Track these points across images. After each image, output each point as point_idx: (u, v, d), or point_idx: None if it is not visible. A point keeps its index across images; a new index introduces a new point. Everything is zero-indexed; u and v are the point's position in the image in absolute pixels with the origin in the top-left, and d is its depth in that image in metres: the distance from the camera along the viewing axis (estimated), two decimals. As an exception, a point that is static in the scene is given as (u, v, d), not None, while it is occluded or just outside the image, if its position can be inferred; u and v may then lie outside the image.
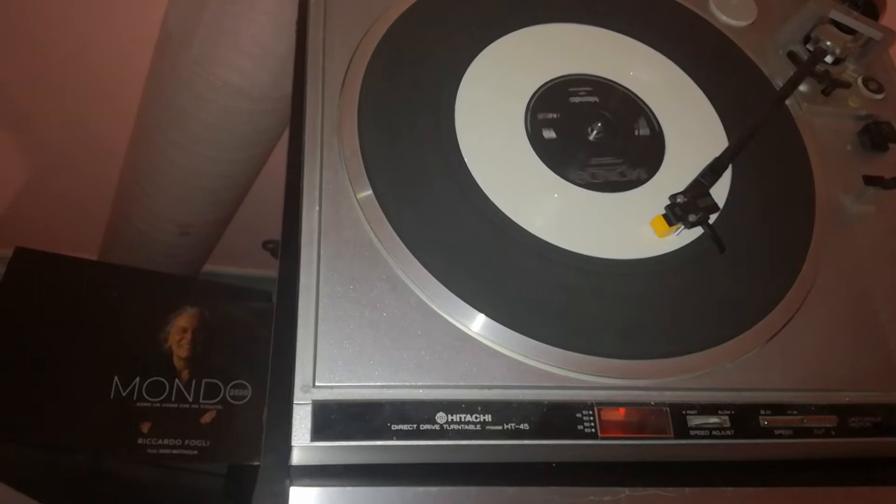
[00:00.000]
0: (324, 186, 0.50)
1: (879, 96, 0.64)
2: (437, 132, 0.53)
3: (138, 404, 0.92)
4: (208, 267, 1.29)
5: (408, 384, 0.44)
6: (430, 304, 0.47)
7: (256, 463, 0.92)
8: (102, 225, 1.19)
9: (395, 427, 0.43)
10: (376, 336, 0.45)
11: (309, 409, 0.42)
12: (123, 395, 0.92)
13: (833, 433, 0.48)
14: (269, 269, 1.36)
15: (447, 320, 0.46)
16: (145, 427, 0.91)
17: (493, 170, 0.53)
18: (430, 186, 0.51)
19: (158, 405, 0.93)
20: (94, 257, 1.21)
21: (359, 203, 0.49)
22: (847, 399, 0.50)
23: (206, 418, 0.93)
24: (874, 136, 0.61)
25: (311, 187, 0.49)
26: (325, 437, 0.42)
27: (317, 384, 0.43)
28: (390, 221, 0.48)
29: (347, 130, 0.52)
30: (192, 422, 0.93)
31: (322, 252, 0.47)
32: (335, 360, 0.44)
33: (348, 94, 0.53)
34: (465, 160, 0.52)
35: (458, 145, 0.53)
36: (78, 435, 0.88)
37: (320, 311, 0.45)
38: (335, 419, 0.43)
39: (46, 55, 0.96)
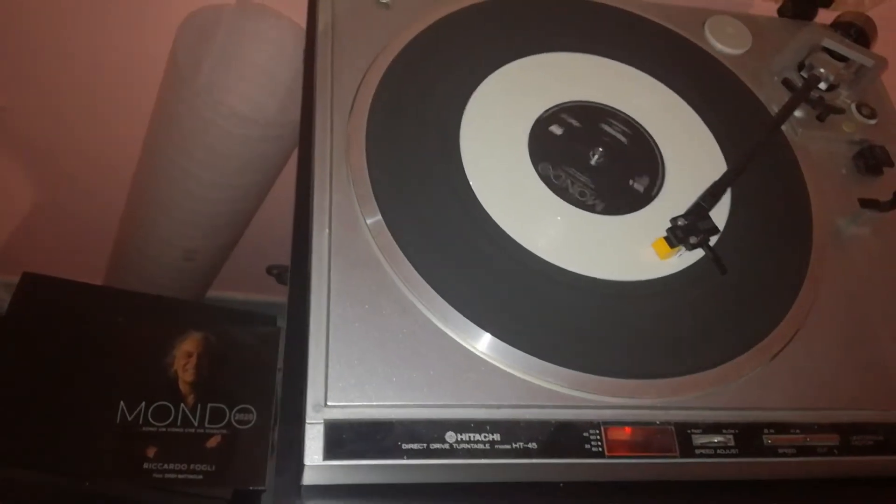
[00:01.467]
0: (333, 210, 0.51)
1: (872, 121, 0.65)
2: (442, 156, 0.55)
3: (144, 429, 0.92)
4: (213, 292, 1.30)
5: (418, 403, 0.45)
6: (438, 324, 0.48)
7: (262, 488, 0.92)
8: (108, 250, 1.20)
9: (405, 446, 0.44)
10: (386, 356, 0.46)
11: (321, 428, 0.43)
12: (129, 419, 0.93)
13: (835, 452, 0.49)
14: (273, 295, 1.37)
15: (456, 340, 0.47)
16: (151, 452, 0.91)
17: (498, 192, 0.54)
18: (437, 209, 0.52)
19: (164, 430, 0.93)
20: (100, 282, 1.22)
21: (367, 226, 0.50)
22: (848, 418, 0.50)
23: (212, 443, 0.94)
24: (868, 160, 0.62)
25: (321, 211, 0.51)
26: (336, 455, 0.43)
27: (328, 403, 0.44)
28: (398, 243, 0.50)
29: (356, 155, 0.53)
30: (198, 446, 0.93)
31: (332, 274, 0.48)
32: (346, 380, 0.45)
33: (356, 119, 0.55)
34: (471, 184, 0.54)
35: (463, 169, 0.54)
36: (83, 460, 0.88)
37: (331, 331, 0.46)
38: (346, 438, 0.43)
39: (53, 82, 0.98)
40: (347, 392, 0.44)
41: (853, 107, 0.66)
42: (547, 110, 0.59)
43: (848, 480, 0.51)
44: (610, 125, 0.60)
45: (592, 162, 0.57)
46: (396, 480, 0.46)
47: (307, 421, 0.43)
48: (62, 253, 1.25)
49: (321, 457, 0.43)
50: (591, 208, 0.55)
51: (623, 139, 0.60)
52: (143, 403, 0.94)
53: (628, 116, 0.61)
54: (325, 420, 0.43)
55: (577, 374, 0.48)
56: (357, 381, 0.45)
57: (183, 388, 0.97)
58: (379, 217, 0.50)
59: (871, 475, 0.52)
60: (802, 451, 0.49)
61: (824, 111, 0.63)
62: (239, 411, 0.97)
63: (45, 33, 0.91)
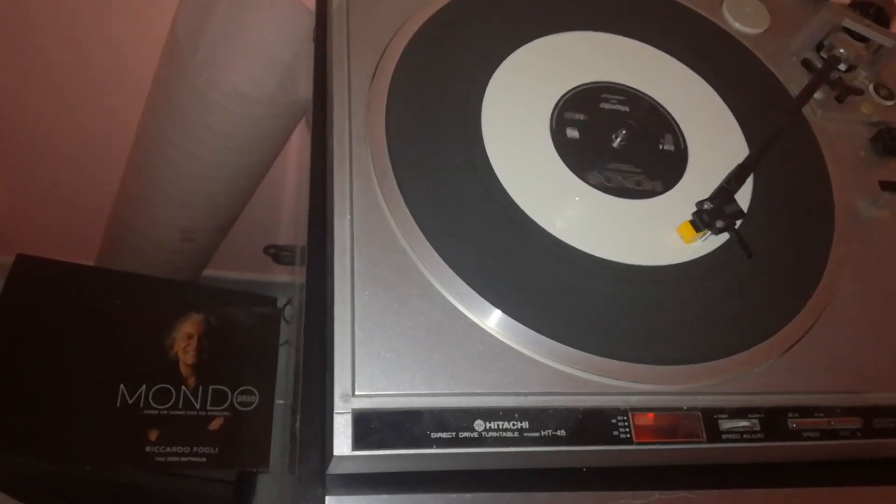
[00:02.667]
0: (354, 196, 0.50)
1: (890, 102, 0.65)
2: (464, 139, 0.54)
3: (145, 412, 0.91)
4: (209, 272, 1.28)
5: (446, 392, 0.44)
6: (464, 311, 0.47)
7: (265, 469, 0.92)
8: (100, 231, 1.18)
9: (434, 435, 0.43)
10: (413, 344, 0.45)
11: (349, 418, 0.42)
12: (130, 402, 0.92)
13: (858, 434, 0.49)
14: (270, 274, 1.36)
15: (482, 328, 0.47)
16: (153, 435, 0.90)
17: (522, 176, 0.53)
18: (460, 194, 0.51)
19: (165, 412, 0.92)
20: (91, 263, 1.20)
21: (390, 212, 0.49)
22: (871, 401, 0.50)
23: (214, 425, 0.93)
24: (886, 141, 0.62)
25: (342, 197, 0.49)
26: (365, 445, 0.42)
27: (356, 393, 0.43)
28: (422, 230, 0.49)
29: (376, 140, 0.52)
30: (200, 429, 0.92)
31: (356, 261, 0.47)
32: (373, 369, 0.44)
33: (376, 101, 0.53)
34: (494, 167, 0.53)
35: (485, 152, 0.53)
36: (84, 444, 0.87)
37: (356, 320, 0.45)
38: (375, 428, 0.43)
39: (47, 61, 0.95)
40: (375, 381, 0.44)
41: (871, 88, 0.65)
42: (568, 91, 0.58)
43: (871, 462, 0.52)
44: (632, 106, 0.59)
45: (615, 145, 0.57)
46: (423, 468, 0.45)
47: (336, 411, 0.42)
48: (55, 234, 1.23)
49: (350, 447, 0.42)
50: (614, 192, 0.54)
51: (645, 120, 0.59)
52: (144, 386, 0.93)
53: (650, 97, 0.60)
54: (353, 410, 0.43)
55: (604, 360, 0.47)
56: (384, 370, 0.44)
57: (184, 370, 0.96)
58: (402, 203, 0.49)
59: (893, 457, 0.52)
60: (826, 434, 0.49)
61: (843, 92, 0.62)
62: (241, 393, 0.96)
63: (38, 11, 0.88)
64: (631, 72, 0.61)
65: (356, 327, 0.45)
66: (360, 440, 0.42)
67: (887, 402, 0.51)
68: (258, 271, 1.34)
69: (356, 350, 0.44)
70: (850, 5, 0.67)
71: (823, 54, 0.64)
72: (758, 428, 0.48)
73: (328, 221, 0.50)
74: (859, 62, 0.64)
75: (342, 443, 0.42)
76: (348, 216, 0.49)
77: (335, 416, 0.43)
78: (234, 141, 0.92)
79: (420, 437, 0.43)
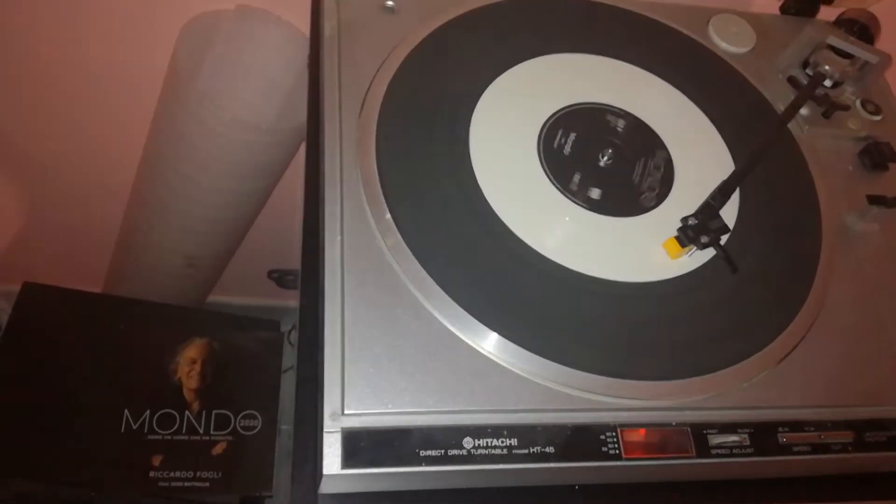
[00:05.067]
0: (345, 216, 0.51)
1: (877, 117, 0.66)
2: (453, 161, 0.55)
3: (149, 437, 0.92)
4: (214, 297, 1.29)
5: (434, 410, 0.45)
6: (453, 329, 0.47)
7: (269, 494, 0.92)
8: (107, 259, 1.19)
9: (423, 453, 0.44)
10: (402, 363, 0.46)
11: (339, 436, 0.43)
12: (134, 428, 0.92)
13: (850, 448, 0.49)
14: (274, 299, 1.36)
15: (470, 345, 0.47)
16: (156, 460, 0.91)
17: (508, 195, 0.54)
18: (449, 214, 0.52)
19: (169, 437, 0.93)
20: (98, 290, 1.22)
21: (379, 232, 0.50)
22: (862, 414, 0.50)
23: (218, 449, 0.93)
24: (874, 156, 0.62)
25: (333, 218, 0.50)
26: (355, 464, 0.43)
27: (346, 412, 0.44)
28: (411, 249, 0.49)
29: (367, 162, 0.53)
30: (204, 453, 0.93)
31: (346, 281, 0.48)
32: (363, 388, 0.45)
33: (366, 126, 0.55)
34: (481, 186, 0.54)
35: (473, 172, 0.54)
36: (88, 470, 0.88)
37: (346, 339, 0.46)
38: (364, 446, 0.43)
39: (53, 90, 0.97)
40: (364, 400, 0.44)
41: (858, 103, 0.66)
42: (555, 112, 0.59)
43: (863, 477, 0.52)
44: (618, 126, 0.60)
45: (601, 163, 0.57)
46: (413, 487, 0.46)
47: (325, 430, 0.43)
48: (61, 261, 1.25)
49: (339, 465, 0.42)
50: (601, 210, 0.55)
51: (631, 140, 0.60)
52: (148, 411, 0.94)
53: (636, 117, 0.61)
54: (342, 429, 0.43)
55: (592, 376, 0.48)
56: (374, 389, 0.45)
57: (187, 395, 0.97)
58: (391, 223, 0.50)
59: (885, 471, 0.52)
60: (817, 448, 0.49)
61: (830, 108, 0.63)
62: (244, 417, 0.97)
63: (42, 42, 0.90)
64: (617, 92, 0.62)
65: (346, 346, 0.46)
66: (349, 459, 0.43)
67: (879, 416, 0.51)
68: (264, 296, 1.35)
69: (346, 369, 0.45)
70: (835, 23, 0.68)
71: (809, 71, 0.65)
72: (748, 443, 0.48)
73: (321, 243, 0.51)
74: (845, 78, 0.64)
75: (332, 462, 0.43)
76: (339, 237, 0.50)
77: (324, 434, 0.43)
78: (236, 167, 0.94)
79: (409, 455, 0.43)
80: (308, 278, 0.51)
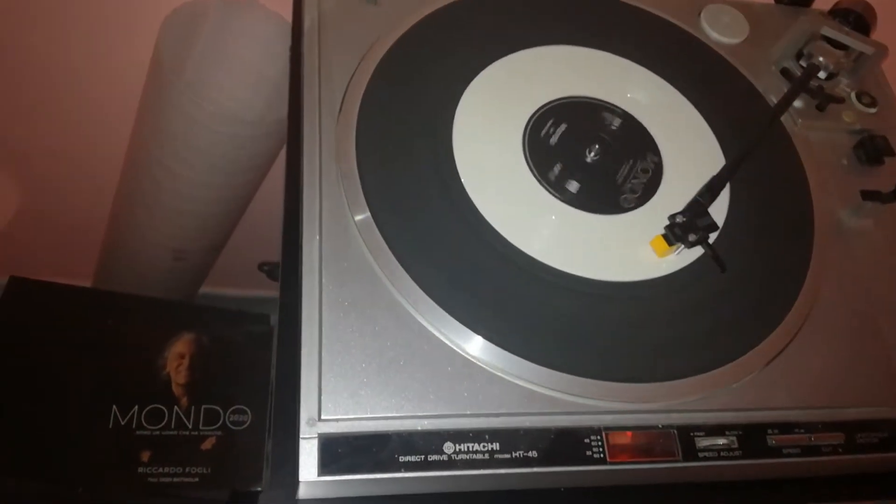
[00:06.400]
0: (324, 215, 0.49)
1: (873, 110, 0.64)
2: (434, 156, 0.53)
3: (137, 433, 0.91)
4: (204, 289, 1.28)
5: (414, 414, 0.44)
6: (433, 331, 0.46)
7: (258, 489, 0.91)
8: (96, 253, 1.18)
9: (402, 459, 0.43)
10: (381, 366, 0.45)
11: (315, 443, 0.42)
12: (122, 423, 0.91)
13: (840, 450, 0.48)
14: (265, 290, 1.35)
15: (451, 347, 0.46)
16: (145, 456, 0.90)
17: (492, 193, 0.53)
18: (429, 211, 0.51)
19: (158, 433, 0.92)
20: (88, 284, 1.21)
21: (359, 231, 0.49)
22: (853, 415, 0.49)
23: (207, 445, 0.93)
24: (869, 150, 0.61)
25: (311, 216, 0.49)
26: (332, 471, 0.42)
27: (322, 417, 0.43)
28: (391, 249, 0.48)
29: (346, 160, 0.52)
30: (193, 449, 0.92)
31: (323, 282, 0.47)
32: (340, 393, 0.44)
33: (346, 121, 0.53)
34: (464, 183, 0.52)
35: (455, 169, 0.53)
36: (76, 466, 0.87)
37: (324, 342, 0.45)
38: (342, 453, 0.42)
39: (39, 83, 0.96)
40: (342, 405, 0.43)
41: (853, 96, 0.64)
42: (541, 107, 0.58)
43: (854, 478, 0.51)
44: (605, 120, 0.59)
45: (588, 159, 0.56)
46: (394, 492, 0.45)
47: (301, 436, 0.42)
48: (49, 256, 1.24)
49: (316, 472, 0.42)
50: (586, 207, 0.54)
51: (619, 135, 0.58)
52: (137, 407, 0.93)
53: (624, 111, 0.60)
54: (319, 434, 0.42)
55: (576, 378, 0.47)
56: (351, 394, 0.44)
57: (176, 390, 0.96)
58: (371, 223, 0.49)
59: (877, 472, 0.51)
60: (807, 450, 0.48)
61: (824, 100, 0.62)
62: (233, 412, 0.96)
63: (24, 35, 0.89)
64: (604, 85, 0.61)
65: (323, 350, 0.45)
66: (326, 465, 0.42)
67: (870, 417, 0.50)
68: (254, 288, 1.34)
69: (323, 373, 0.44)
70: (830, 13, 0.67)
71: (803, 63, 0.64)
72: (736, 445, 0.47)
73: (299, 241, 0.49)
74: (839, 70, 0.63)
75: (308, 468, 0.42)
76: (317, 237, 0.49)
77: (301, 441, 0.42)
78: (222, 160, 0.92)
79: (388, 462, 0.43)
80: (286, 276, 0.50)
